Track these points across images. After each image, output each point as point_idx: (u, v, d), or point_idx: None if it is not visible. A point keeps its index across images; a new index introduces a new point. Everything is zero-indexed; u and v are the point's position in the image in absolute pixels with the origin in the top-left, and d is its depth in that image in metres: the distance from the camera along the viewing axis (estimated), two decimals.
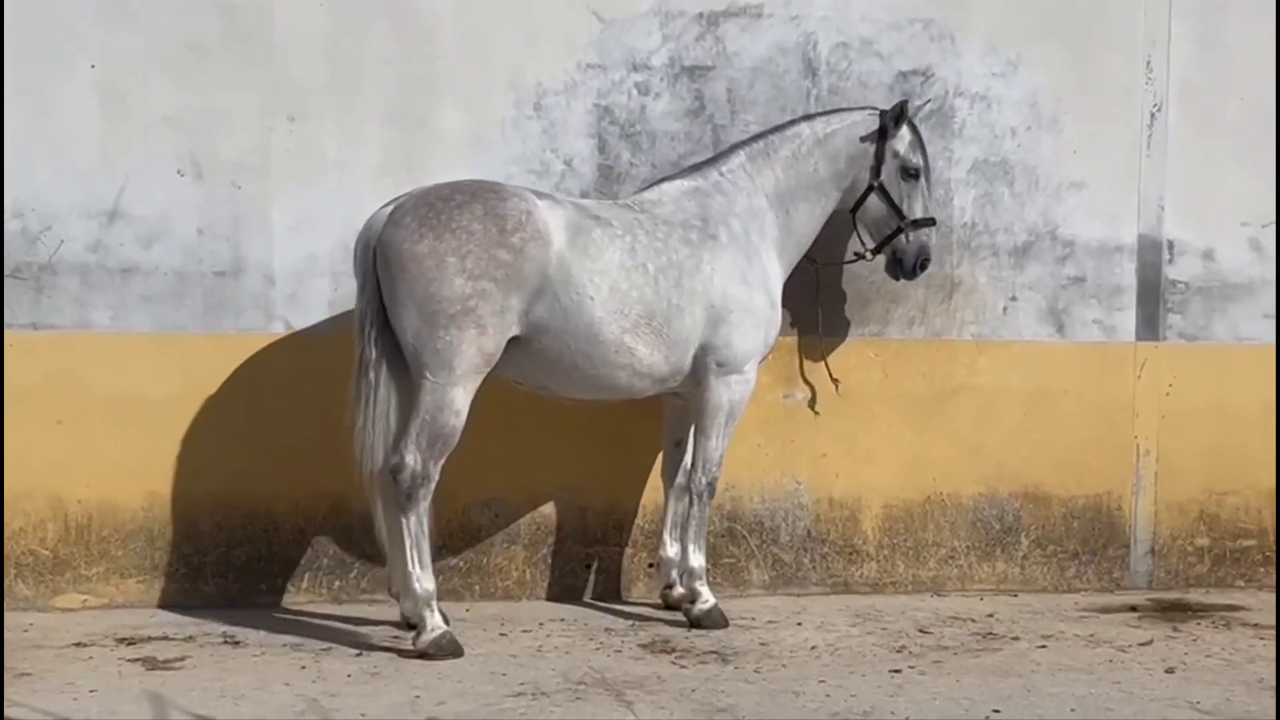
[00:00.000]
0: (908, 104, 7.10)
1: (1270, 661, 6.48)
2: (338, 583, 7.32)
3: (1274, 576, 8.12)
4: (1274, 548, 8.13)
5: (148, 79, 7.05)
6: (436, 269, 6.31)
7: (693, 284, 6.75)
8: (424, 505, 6.44)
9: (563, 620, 7.05)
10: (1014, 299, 7.85)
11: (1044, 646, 6.70)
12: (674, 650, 6.51)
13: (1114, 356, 7.96)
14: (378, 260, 6.41)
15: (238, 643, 6.54)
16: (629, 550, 7.57)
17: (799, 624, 7.05)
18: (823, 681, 6.03)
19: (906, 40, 7.67)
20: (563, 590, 7.51)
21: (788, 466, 7.68)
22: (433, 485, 6.45)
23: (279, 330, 7.20)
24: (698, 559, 6.99)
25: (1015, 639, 6.85)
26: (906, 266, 7.18)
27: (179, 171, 7.11)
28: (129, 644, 6.49)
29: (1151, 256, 7.96)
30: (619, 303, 6.59)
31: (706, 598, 6.96)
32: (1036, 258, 7.86)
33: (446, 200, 6.43)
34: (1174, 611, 7.52)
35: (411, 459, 6.39)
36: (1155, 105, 7.91)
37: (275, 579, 7.28)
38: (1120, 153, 7.91)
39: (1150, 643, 6.81)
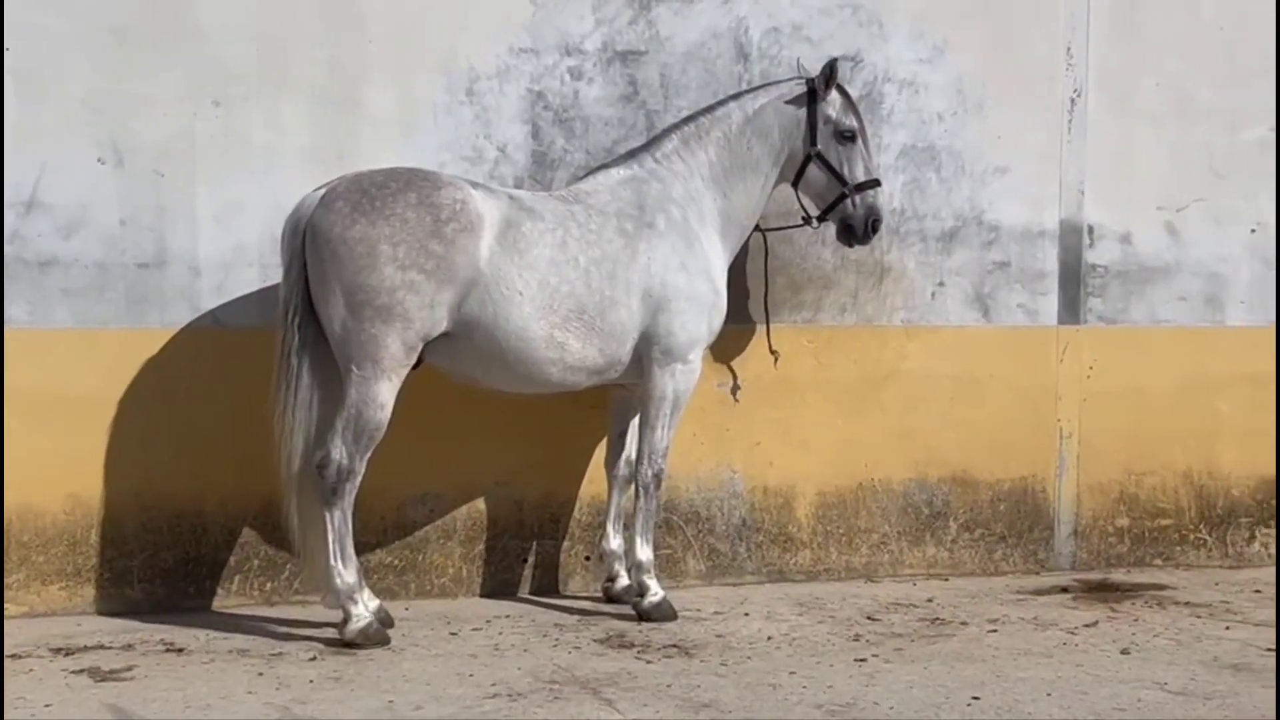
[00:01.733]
0: (836, 64, 7.08)
1: (1220, 640, 6.74)
2: (270, 584, 7.21)
3: (1190, 555, 8.44)
4: (1192, 527, 8.44)
5: (66, 62, 6.84)
6: (367, 257, 6.26)
7: (628, 275, 6.76)
8: (348, 500, 6.43)
9: (509, 617, 7.03)
10: (942, 284, 8.02)
11: (995, 630, 6.87)
12: (633, 645, 6.53)
13: (1037, 340, 8.19)
14: (306, 244, 6.36)
15: (180, 650, 6.39)
16: (566, 543, 7.58)
17: (746, 614, 7.13)
18: (793, 673, 6.10)
19: (836, 26, 7.77)
20: (499, 586, 7.49)
21: (723, 455, 7.75)
22: (359, 480, 6.43)
23: (206, 324, 7.06)
24: (645, 552, 7.03)
25: (964, 624, 7.00)
26: (858, 231, 7.17)
27: (99, 159, 6.91)
28: (66, 654, 6.31)
29: (1072, 241, 8.19)
30: (548, 298, 6.59)
31: (655, 590, 7.01)
32: (963, 243, 8.04)
33: (381, 186, 6.37)
34: (1103, 592, 7.77)
35: (338, 453, 6.36)
36: (1075, 90, 8.14)
37: (204, 582, 7.14)
38: (1042, 138, 8.12)
39: (1095, 624, 7.02)
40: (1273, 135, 8.43)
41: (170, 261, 7.01)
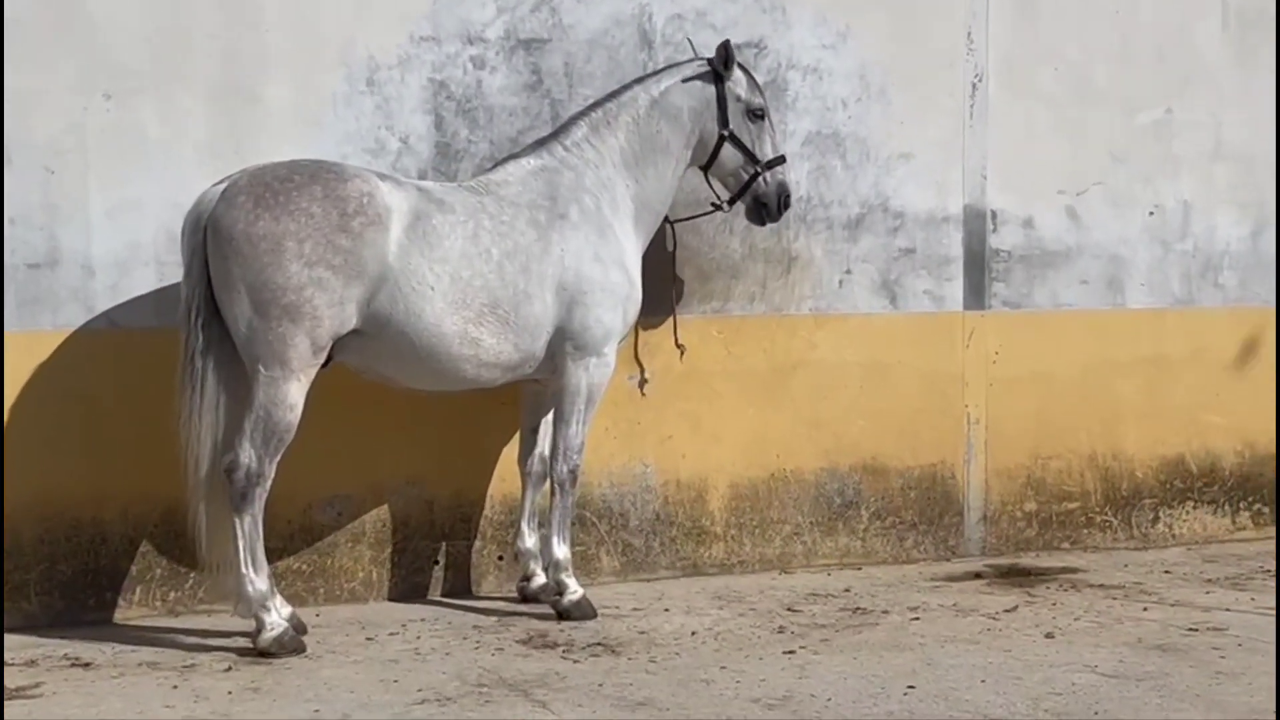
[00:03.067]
0: (729, 43, 7.05)
1: (1140, 621, 6.84)
2: (173, 594, 7.04)
3: (1097, 537, 8.58)
4: (1098, 510, 8.57)
5: None
6: (272, 253, 6.13)
7: (542, 268, 6.69)
8: (259, 505, 6.30)
9: (424, 620, 6.93)
10: (849, 272, 8.05)
11: (917, 619, 6.92)
12: (556, 645, 6.47)
13: (943, 326, 8.26)
14: (208, 241, 6.21)
15: (87, 664, 6.21)
16: (478, 543, 7.49)
17: (666, 610, 7.11)
18: (724, 668, 6.09)
19: (740, 12, 7.77)
20: (411, 589, 7.38)
21: (635, 449, 7.72)
22: (269, 483, 6.30)
23: (101, 325, 6.87)
24: (562, 550, 6.96)
25: (885, 613, 7.04)
26: (772, 208, 7.16)
27: None
28: None
29: (976, 226, 8.27)
30: (461, 292, 6.50)
31: (574, 589, 6.95)
32: (869, 230, 8.08)
33: (284, 180, 6.24)
34: (1016, 576, 7.86)
35: (246, 457, 6.23)
36: (976, 76, 8.22)
37: (104, 593, 6.95)
38: (945, 123, 8.19)
39: (1015, 609, 7.09)
40: (1168, 117, 8.58)
41: (62, 261, 6.81)
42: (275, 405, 6.20)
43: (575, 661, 6.22)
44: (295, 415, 6.26)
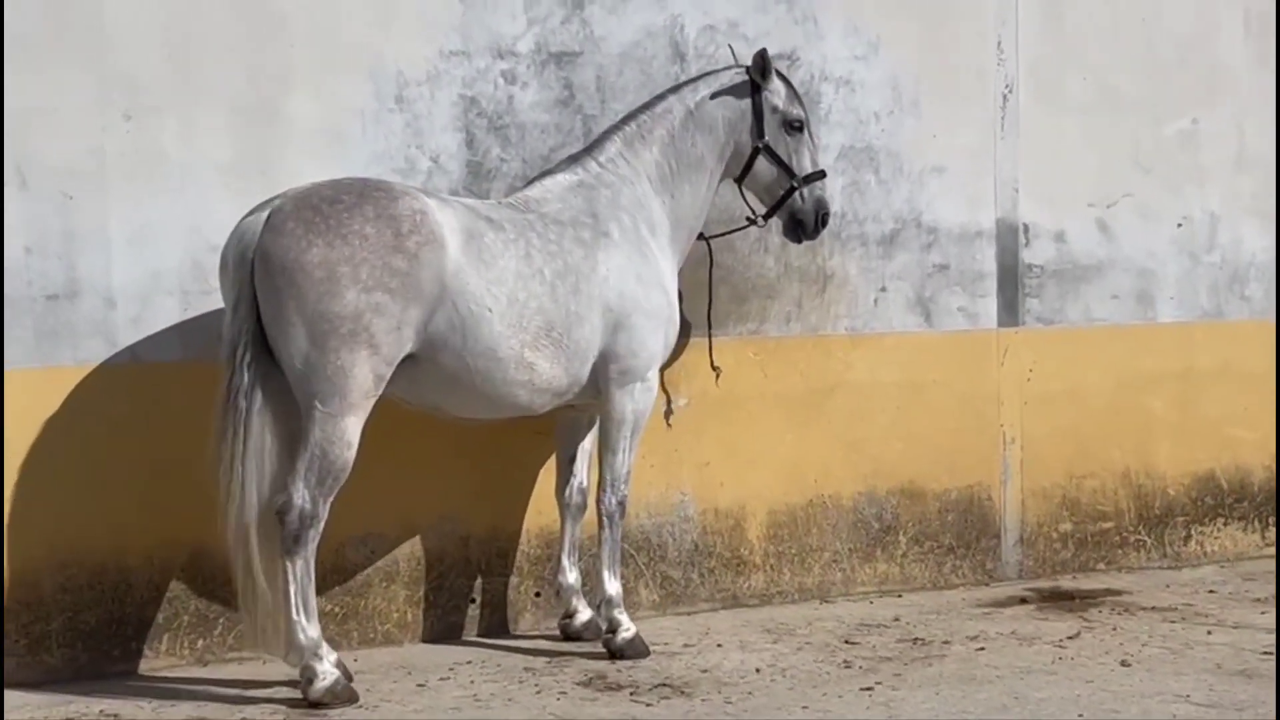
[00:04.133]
0: (766, 51, 6.83)
1: (1210, 645, 6.71)
2: (201, 641, 6.71)
3: (1131, 557, 8.45)
4: (1132, 529, 8.45)
5: None
6: (328, 281, 5.81)
7: (589, 288, 6.45)
8: (311, 548, 5.98)
9: (469, 663, 6.65)
10: (884, 290, 7.88)
11: (982, 649, 6.73)
12: (620, 686, 6.22)
13: (978, 344, 8.10)
14: (256, 273, 5.87)
15: None
16: (514, 579, 7.23)
17: (719, 645, 6.87)
18: (805, 707, 5.87)
19: (772, 22, 7.57)
20: (446, 629, 7.10)
21: (673, 478, 7.48)
22: (321, 525, 6.00)
23: (123, 359, 6.53)
24: (614, 586, 6.71)
25: (946, 643, 6.86)
26: (808, 226, 6.95)
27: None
28: None
29: (1009, 241, 8.13)
30: (518, 314, 6.24)
31: (627, 626, 6.70)
32: (903, 246, 7.91)
33: (333, 202, 5.93)
34: (1061, 600, 7.71)
35: (300, 498, 5.92)
36: (1007, 86, 8.08)
37: (130, 643, 6.60)
38: (977, 135, 8.05)
39: (1077, 635, 6.94)
40: (1194, 127, 8.49)
41: (81, 292, 6.46)
42: (332, 443, 5.90)
43: (648, 705, 5.97)
44: (352, 454, 5.96)
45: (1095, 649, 6.69)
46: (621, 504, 6.69)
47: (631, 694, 6.12)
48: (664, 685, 6.23)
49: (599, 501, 6.70)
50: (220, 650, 6.73)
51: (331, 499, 5.99)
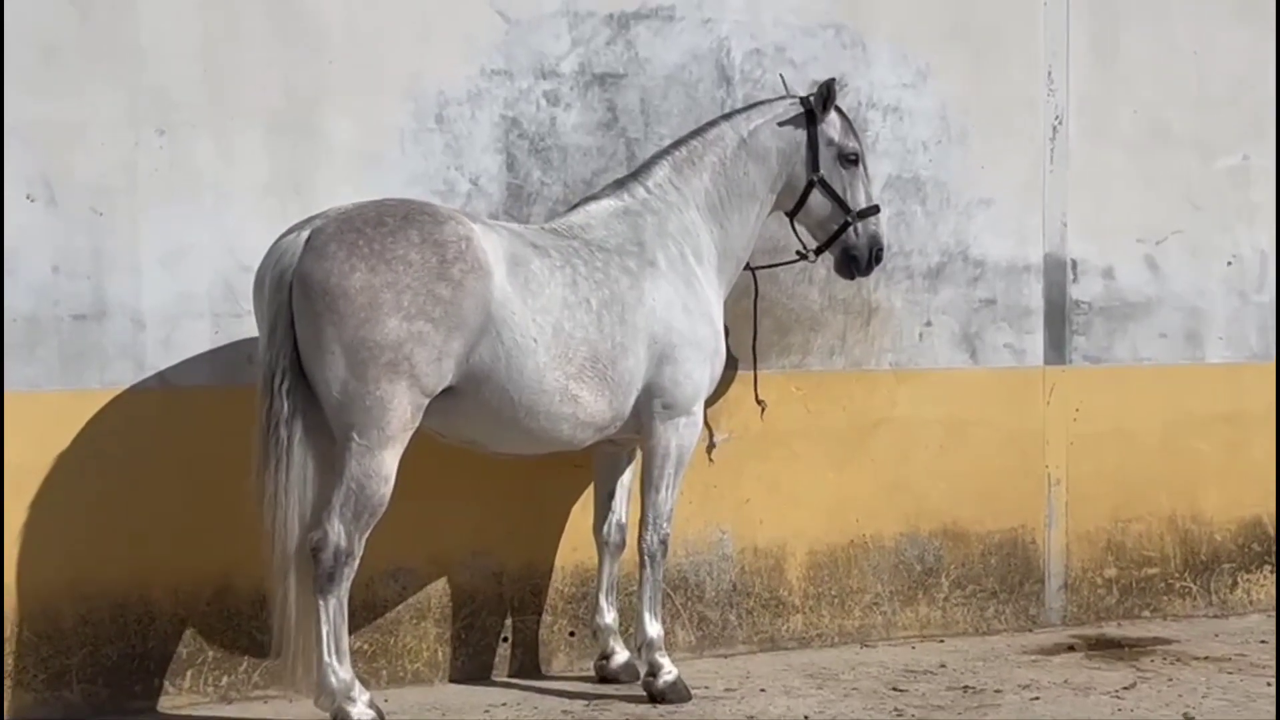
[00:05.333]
0: (834, 83, 6.72)
1: (1273, 699, 6.53)
2: (225, 679, 6.51)
3: (1176, 604, 8.27)
4: (1177, 575, 8.28)
5: None
6: (369, 308, 5.62)
7: (635, 319, 6.28)
8: (345, 587, 5.77)
9: (505, 705, 6.46)
10: (929, 324, 7.72)
11: (1036, 699, 6.54)
12: None
13: (1024, 382, 7.94)
14: (294, 298, 5.69)
15: None
16: (547, 618, 7.04)
17: (762, 690, 6.68)
18: None
19: (820, 47, 7.43)
20: (477, 669, 6.90)
21: (711, 515, 7.31)
22: (356, 563, 5.80)
23: (152, 384, 6.36)
24: (655, 628, 6.51)
25: (998, 691, 6.67)
26: (862, 263, 6.81)
27: (28, 196, 6.17)
28: None
29: (1057, 276, 7.98)
30: (564, 345, 6.06)
31: (669, 669, 6.50)
32: (949, 280, 7.76)
33: (376, 225, 5.74)
34: (1109, 648, 7.52)
35: (335, 534, 5.71)
36: (1056, 118, 7.94)
37: (152, 679, 6.40)
38: (1025, 167, 7.90)
39: (1134, 686, 6.75)
40: (1245, 164, 8.35)
41: (110, 313, 6.30)
42: (369, 477, 5.71)
43: None
44: (389, 488, 5.77)
45: (1154, 701, 6.51)
46: (664, 543, 6.52)
47: None
48: None
49: (640, 540, 6.53)
50: (245, 688, 6.53)
51: (367, 535, 5.80)
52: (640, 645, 6.55)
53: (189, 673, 6.46)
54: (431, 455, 6.32)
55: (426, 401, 5.79)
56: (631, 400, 6.32)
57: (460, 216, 5.98)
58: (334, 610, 5.75)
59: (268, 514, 5.72)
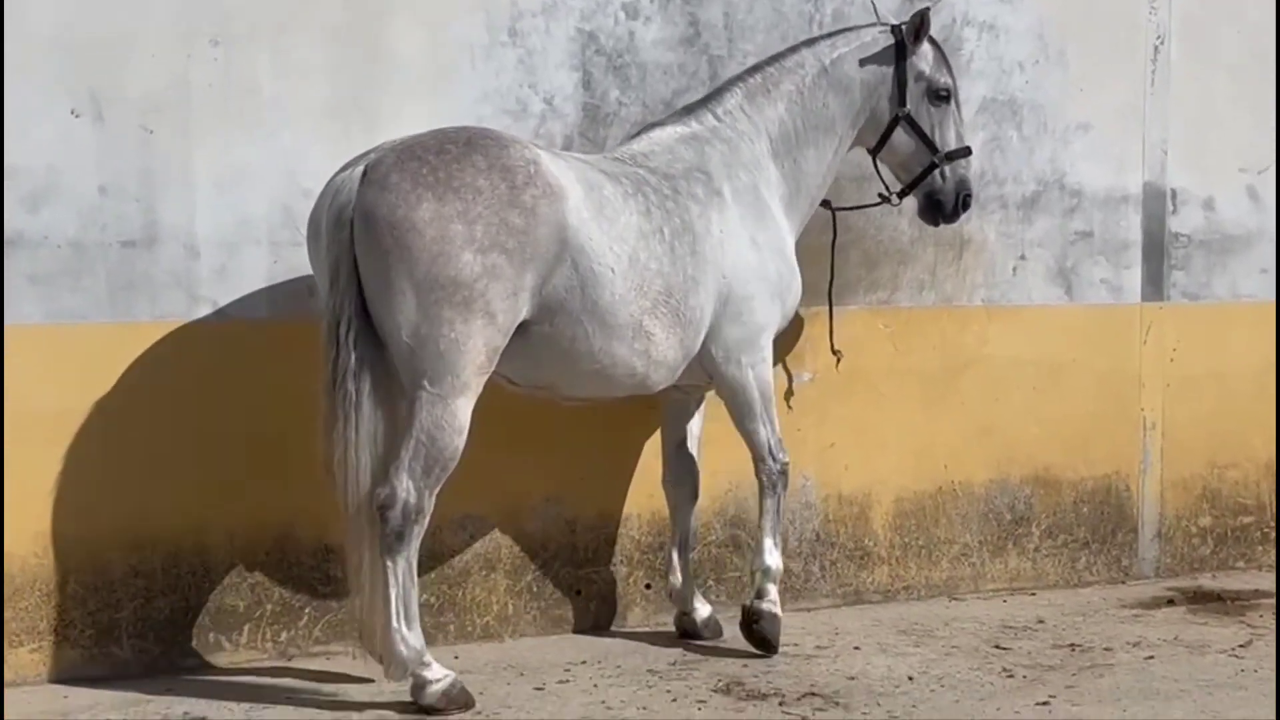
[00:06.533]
0: (928, 12, 6.29)
1: None
2: (285, 634, 6.11)
3: (1270, 554, 7.91)
4: (1272, 524, 7.91)
5: None
6: (440, 241, 5.17)
7: (704, 250, 5.87)
8: (414, 546, 5.34)
9: (584, 663, 6.08)
10: (1023, 258, 7.31)
11: (1151, 658, 6.18)
12: (764, 695, 5.63)
13: (1121, 320, 7.54)
14: (356, 236, 5.21)
15: None
16: (623, 569, 6.65)
17: (856, 648, 6.32)
18: None
19: None
20: (551, 622, 6.52)
21: (794, 460, 6.83)
22: (426, 521, 5.37)
23: (207, 316, 5.93)
24: (774, 557, 6.15)
25: (1107, 649, 6.31)
26: (947, 208, 6.42)
27: (73, 111, 5.71)
28: None
29: (1155, 207, 7.56)
30: (639, 277, 5.63)
31: (774, 601, 6.13)
32: (1045, 210, 7.33)
33: (439, 152, 5.27)
34: (1210, 601, 7.19)
35: (404, 490, 5.28)
36: (1159, 38, 7.50)
37: (207, 634, 6.01)
38: (1125, 91, 7.48)
39: (1249, 644, 6.40)
40: None
41: (161, 239, 5.86)
42: (441, 428, 5.28)
43: (804, 717, 5.40)
44: (462, 440, 5.33)
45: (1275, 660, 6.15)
46: (784, 472, 6.17)
47: (781, 705, 5.55)
48: (812, 694, 5.67)
49: (758, 473, 6.17)
50: (306, 643, 6.15)
51: (438, 490, 5.38)
52: (756, 570, 6.19)
53: (246, 627, 6.07)
54: (498, 396, 5.88)
55: (503, 341, 5.36)
56: (701, 338, 5.93)
57: (523, 141, 5.55)
58: (403, 572, 5.33)
59: (339, 475, 5.30)
